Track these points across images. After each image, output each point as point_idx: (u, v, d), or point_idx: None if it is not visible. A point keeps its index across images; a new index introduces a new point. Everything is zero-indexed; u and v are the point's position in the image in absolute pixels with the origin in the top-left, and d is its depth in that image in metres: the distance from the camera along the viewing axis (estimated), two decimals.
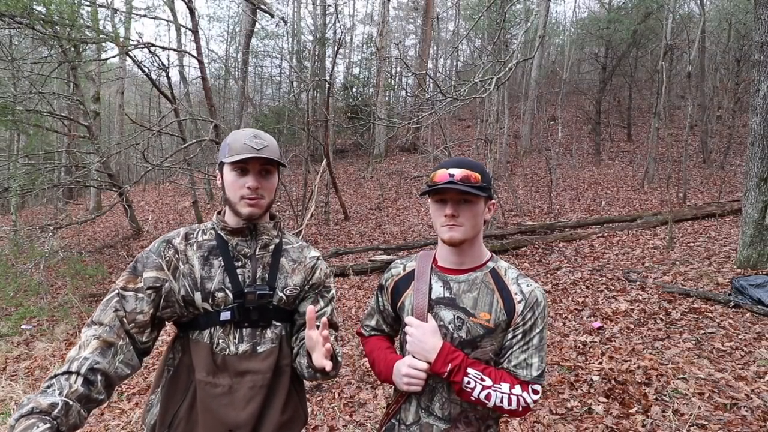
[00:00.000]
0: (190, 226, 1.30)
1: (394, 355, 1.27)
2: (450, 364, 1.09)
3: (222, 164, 1.22)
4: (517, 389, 1.09)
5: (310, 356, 1.16)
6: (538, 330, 1.13)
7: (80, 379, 0.98)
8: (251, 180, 1.18)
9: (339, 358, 1.25)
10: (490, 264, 1.21)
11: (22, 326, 5.57)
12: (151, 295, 1.15)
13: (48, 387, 0.94)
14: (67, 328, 5.49)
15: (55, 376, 0.97)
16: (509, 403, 1.08)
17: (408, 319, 1.18)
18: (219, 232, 1.25)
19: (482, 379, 1.08)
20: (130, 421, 3.13)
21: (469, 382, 1.08)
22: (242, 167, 1.19)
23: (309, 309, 1.10)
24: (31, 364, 4.52)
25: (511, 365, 1.13)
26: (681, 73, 16.17)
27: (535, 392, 1.11)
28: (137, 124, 8.87)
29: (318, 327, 1.12)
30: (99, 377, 1.02)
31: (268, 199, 1.23)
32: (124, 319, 1.11)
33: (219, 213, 1.29)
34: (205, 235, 1.25)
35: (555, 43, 23.24)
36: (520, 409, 1.09)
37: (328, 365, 1.08)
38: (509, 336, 1.15)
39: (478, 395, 1.08)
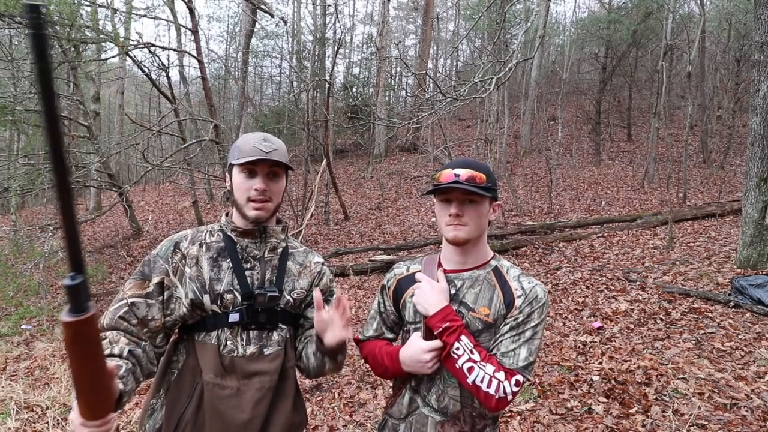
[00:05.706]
0: (196, 228, 1.31)
1: (397, 346, 1.25)
2: (447, 323, 1.10)
3: (231, 166, 1.23)
4: (501, 375, 1.07)
5: (319, 340, 1.18)
6: (532, 324, 1.13)
7: (123, 361, 1.04)
8: (259, 182, 1.19)
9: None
10: (493, 263, 1.23)
11: (22, 326, 5.58)
12: (161, 300, 1.17)
13: None
14: None
15: None
16: (488, 385, 1.05)
17: (419, 275, 1.20)
18: (228, 233, 1.25)
19: (471, 352, 1.08)
20: (130, 421, 3.13)
21: (458, 348, 1.08)
22: (250, 169, 1.20)
23: (316, 292, 1.13)
24: (31, 364, 4.52)
25: (499, 353, 1.12)
26: (681, 73, 16.15)
27: (518, 384, 1.07)
28: (137, 124, 8.88)
29: (326, 307, 1.16)
30: (140, 358, 1.09)
31: (275, 203, 1.24)
32: (138, 326, 1.14)
33: (227, 215, 1.29)
34: (213, 237, 1.26)
35: (555, 43, 23.21)
36: (498, 396, 1.05)
37: (348, 333, 1.13)
38: (503, 327, 1.16)
39: (462, 365, 1.07)
